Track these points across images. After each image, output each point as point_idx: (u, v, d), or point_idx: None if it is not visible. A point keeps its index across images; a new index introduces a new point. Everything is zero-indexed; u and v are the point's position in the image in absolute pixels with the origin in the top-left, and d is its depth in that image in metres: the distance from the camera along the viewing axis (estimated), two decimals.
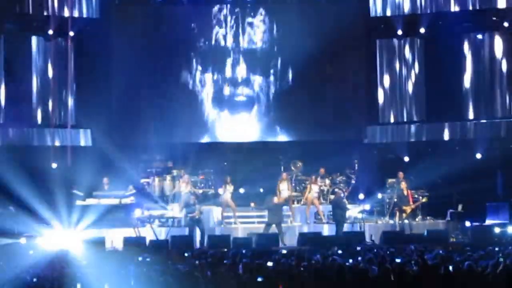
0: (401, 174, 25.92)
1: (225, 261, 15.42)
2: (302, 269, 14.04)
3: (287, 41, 28.89)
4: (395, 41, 29.23)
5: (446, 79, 28.56)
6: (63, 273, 14.13)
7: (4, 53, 26.82)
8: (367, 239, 23.55)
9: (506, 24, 27.99)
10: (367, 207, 25.66)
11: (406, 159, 28.62)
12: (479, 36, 28.60)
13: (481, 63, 28.54)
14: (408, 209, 24.78)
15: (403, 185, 25.07)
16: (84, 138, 27.93)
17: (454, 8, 28.03)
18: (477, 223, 24.78)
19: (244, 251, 17.90)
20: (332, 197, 25.74)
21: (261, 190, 27.14)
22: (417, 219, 25.66)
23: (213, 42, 29.13)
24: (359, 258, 15.33)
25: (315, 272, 13.65)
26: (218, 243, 22.24)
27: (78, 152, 27.20)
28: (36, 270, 14.58)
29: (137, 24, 28.28)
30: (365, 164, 27.75)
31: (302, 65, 28.54)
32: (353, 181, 27.09)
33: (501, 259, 13.98)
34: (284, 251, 18.54)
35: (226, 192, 25.25)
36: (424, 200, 25.46)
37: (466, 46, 28.61)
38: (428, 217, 26.07)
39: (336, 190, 25.81)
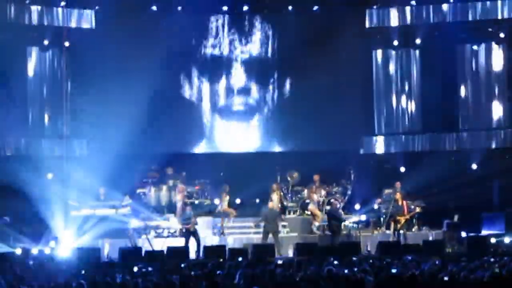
0: (398, 184, 25.96)
1: (220, 272, 15.35)
2: (298, 279, 14.00)
3: (284, 51, 28.95)
4: (392, 51, 29.28)
5: (442, 90, 28.61)
6: (58, 283, 14.11)
7: None
8: (363, 249, 23.52)
9: (502, 35, 28.12)
10: (363, 217, 25.67)
11: (402, 169, 28.64)
12: (475, 47, 28.68)
13: (477, 74, 28.62)
14: (402, 219, 24.75)
15: (398, 195, 25.06)
16: (79, 148, 27.89)
17: (450, 19, 28.11)
18: (472, 234, 24.76)
19: (240, 261, 17.83)
20: (328, 207, 25.72)
21: (257, 200, 27.12)
22: (413, 229, 25.63)
23: (210, 52, 29.16)
24: (355, 269, 15.29)
25: (311, 282, 13.60)
26: (214, 253, 22.19)
27: (74, 162, 27.14)
28: (32, 280, 14.56)
29: (133, 35, 28.18)
30: (362, 174, 27.74)
31: (299, 75, 28.59)
32: (349, 192, 27.12)
33: (497, 270, 13.96)
34: (280, 261, 18.50)
35: (224, 202, 25.23)
36: (418, 210, 25.43)
37: (462, 57, 28.69)
38: (424, 228, 26.04)
39: (332, 200, 25.81)
